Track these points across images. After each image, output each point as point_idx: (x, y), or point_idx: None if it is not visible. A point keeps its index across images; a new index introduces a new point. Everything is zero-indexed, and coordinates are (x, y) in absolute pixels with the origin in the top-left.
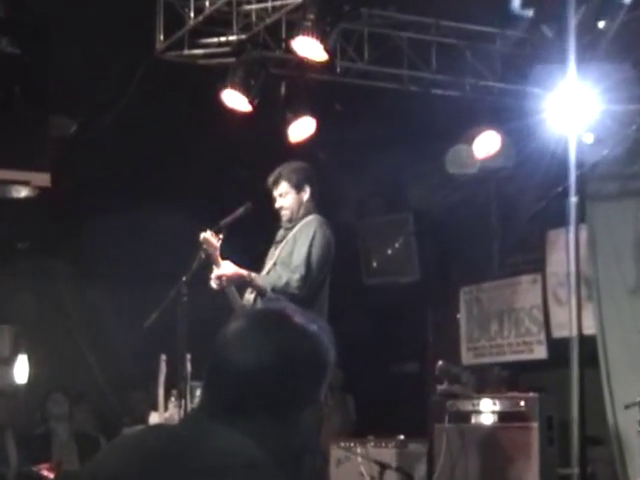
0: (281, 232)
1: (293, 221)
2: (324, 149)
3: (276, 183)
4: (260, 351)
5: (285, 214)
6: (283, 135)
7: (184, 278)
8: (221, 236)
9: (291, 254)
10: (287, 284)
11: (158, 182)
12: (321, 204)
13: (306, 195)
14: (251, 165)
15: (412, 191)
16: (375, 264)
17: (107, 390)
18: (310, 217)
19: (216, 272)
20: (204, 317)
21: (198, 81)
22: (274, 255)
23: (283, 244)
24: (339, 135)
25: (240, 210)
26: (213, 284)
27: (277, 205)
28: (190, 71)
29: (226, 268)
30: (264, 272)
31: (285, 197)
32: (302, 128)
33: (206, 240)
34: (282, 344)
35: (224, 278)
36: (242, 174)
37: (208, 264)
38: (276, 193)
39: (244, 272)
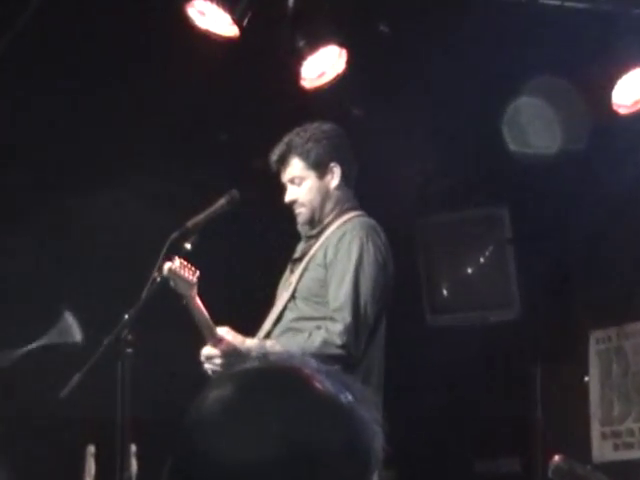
0: (301, 245)
1: (317, 224)
2: (360, 101)
3: (283, 161)
4: (258, 438)
5: (302, 213)
6: (291, 78)
7: (127, 316)
8: (188, 246)
9: (321, 282)
10: (325, 344)
11: (89, 154)
12: (357, 192)
13: (335, 179)
14: (238, 127)
15: (508, 170)
16: (446, 292)
17: None
18: (347, 217)
19: (208, 350)
20: (162, 380)
21: None
22: (291, 283)
23: (304, 264)
24: (386, 77)
25: (220, 202)
26: (206, 367)
27: (287, 198)
28: None
29: (225, 342)
30: (275, 312)
31: (300, 185)
32: (323, 66)
33: (174, 272)
34: (294, 426)
35: (220, 362)
36: (224, 140)
37: (166, 291)
38: (285, 178)
39: (246, 343)
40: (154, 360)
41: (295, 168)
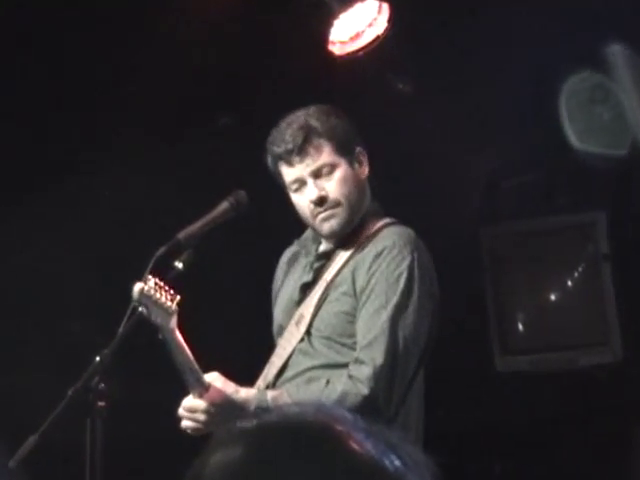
0: (309, 259)
1: (341, 234)
2: (407, 73)
3: (304, 148)
4: None
5: (337, 215)
6: (316, 42)
7: (98, 358)
8: (179, 265)
9: (349, 317)
10: (344, 395)
11: (62, 140)
12: (402, 194)
13: (365, 169)
14: (244, 107)
15: (605, 163)
16: (522, 326)
17: None
18: (379, 225)
19: (191, 401)
20: (145, 443)
21: None
22: (302, 317)
23: (322, 291)
24: (442, 41)
25: (222, 206)
26: (186, 423)
27: (314, 194)
28: None
29: (214, 391)
30: (281, 356)
31: (331, 175)
32: (359, 25)
33: (147, 296)
34: None
35: (207, 418)
36: (227, 124)
37: (143, 327)
38: (307, 170)
39: (242, 394)
40: (134, 417)
41: (322, 153)
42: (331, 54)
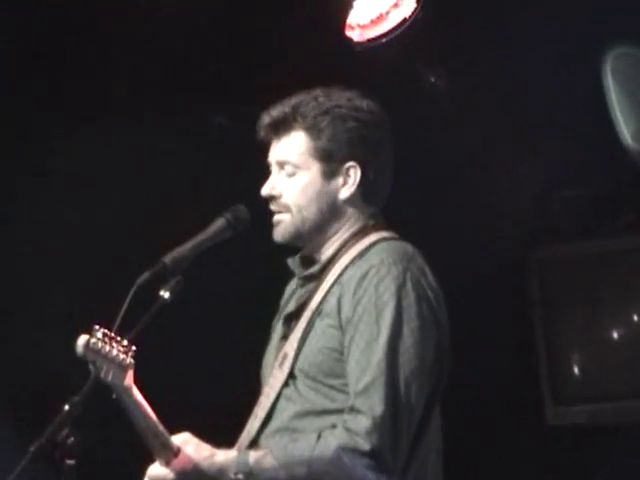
0: (291, 287)
1: (314, 254)
2: (441, 64)
3: (279, 129)
4: None
5: (282, 222)
6: (330, 26)
7: (67, 406)
8: (166, 295)
9: (338, 354)
10: (342, 452)
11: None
12: (431, 211)
13: (348, 188)
14: (247, 104)
15: None
16: (578, 370)
17: None
18: (369, 241)
19: (157, 470)
20: None
21: None
22: (286, 356)
23: (306, 323)
24: (486, 25)
25: (218, 223)
26: None
27: (265, 189)
28: None
29: (184, 457)
30: (264, 405)
31: (293, 176)
32: (382, 5)
33: (92, 351)
34: None
35: None
36: (222, 124)
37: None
38: (273, 156)
39: (217, 458)
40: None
41: (293, 147)
42: (349, 41)
